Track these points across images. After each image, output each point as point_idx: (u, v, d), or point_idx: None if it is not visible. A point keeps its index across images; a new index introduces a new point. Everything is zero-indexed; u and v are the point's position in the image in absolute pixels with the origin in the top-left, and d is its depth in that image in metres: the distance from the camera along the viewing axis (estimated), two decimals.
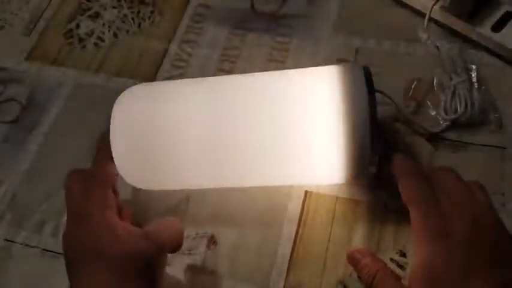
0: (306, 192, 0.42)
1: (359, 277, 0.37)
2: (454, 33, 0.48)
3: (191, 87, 0.39)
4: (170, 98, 0.38)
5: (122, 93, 0.39)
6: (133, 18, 0.56)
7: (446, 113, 0.43)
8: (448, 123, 0.43)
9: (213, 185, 0.39)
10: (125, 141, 0.37)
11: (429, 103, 0.45)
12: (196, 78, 0.40)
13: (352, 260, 0.37)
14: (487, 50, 0.47)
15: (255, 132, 0.35)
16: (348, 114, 0.33)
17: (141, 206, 0.42)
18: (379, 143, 0.34)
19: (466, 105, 0.43)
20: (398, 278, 0.35)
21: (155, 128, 0.36)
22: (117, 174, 0.38)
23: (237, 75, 0.40)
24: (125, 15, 0.56)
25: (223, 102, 0.36)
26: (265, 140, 0.35)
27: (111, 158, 0.37)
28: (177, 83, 0.41)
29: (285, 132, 0.35)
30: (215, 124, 0.36)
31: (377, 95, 0.35)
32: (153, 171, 0.37)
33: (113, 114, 0.37)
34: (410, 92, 0.45)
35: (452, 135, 0.43)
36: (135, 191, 0.44)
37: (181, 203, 0.43)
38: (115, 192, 0.38)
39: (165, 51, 0.52)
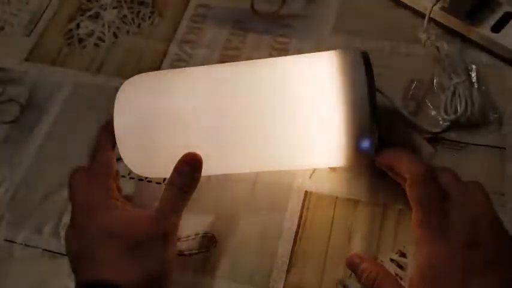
0: (306, 192, 0.42)
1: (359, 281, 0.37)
2: (453, 34, 0.48)
3: (193, 75, 0.39)
4: (172, 85, 0.38)
5: (125, 82, 0.39)
6: (133, 19, 0.56)
7: (446, 113, 0.43)
8: (448, 123, 0.43)
9: (216, 171, 0.40)
10: (128, 129, 0.37)
11: (429, 103, 0.45)
12: (198, 67, 0.40)
13: (351, 264, 0.37)
14: (487, 50, 0.47)
15: (256, 118, 0.36)
16: (347, 98, 0.34)
17: (141, 204, 0.42)
18: (377, 126, 0.34)
19: (466, 105, 0.43)
20: (398, 280, 0.34)
21: (158, 115, 0.37)
22: (118, 163, 0.38)
23: (238, 62, 0.40)
24: (125, 16, 0.56)
25: (224, 89, 0.37)
26: (267, 125, 0.36)
27: (111, 148, 0.37)
28: (179, 72, 0.41)
29: (286, 116, 0.35)
30: (216, 110, 0.36)
31: (377, 95, 0.35)
32: (155, 158, 0.38)
33: (116, 103, 0.37)
34: (410, 92, 0.45)
35: (452, 136, 0.43)
36: (137, 188, 0.44)
37: None
38: (118, 188, 0.38)
39: (165, 52, 0.52)
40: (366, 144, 0.35)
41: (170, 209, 0.36)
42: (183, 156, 0.36)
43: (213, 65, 0.41)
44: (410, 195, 0.34)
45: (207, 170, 0.37)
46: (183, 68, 0.41)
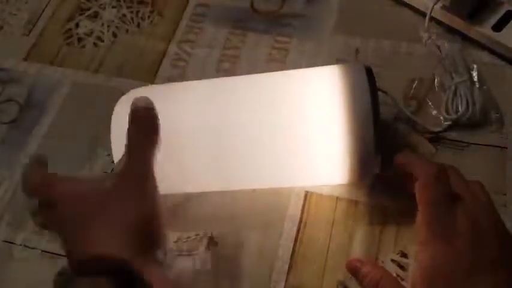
0: (307, 193, 0.42)
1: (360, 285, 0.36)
2: (454, 33, 0.48)
3: (192, 89, 0.39)
4: (171, 100, 0.38)
5: (124, 96, 0.39)
6: (132, 18, 0.55)
7: (447, 113, 0.43)
8: (449, 122, 0.43)
9: (215, 188, 0.39)
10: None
11: (430, 103, 0.44)
12: (197, 81, 0.40)
13: (352, 269, 0.36)
14: (488, 49, 0.46)
15: (258, 134, 0.35)
16: (351, 116, 0.33)
17: None
18: (381, 143, 0.34)
19: (468, 104, 0.42)
20: (400, 282, 0.34)
21: None
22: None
23: (237, 76, 0.40)
24: (124, 15, 0.56)
25: (223, 105, 0.36)
26: (269, 142, 0.35)
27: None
28: (178, 86, 0.41)
29: (288, 133, 0.35)
30: (217, 126, 0.36)
31: (378, 94, 0.35)
32: None
33: (113, 116, 0.37)
34: (411, 92, 0.45)
35: (453, 135, 0.43)
36: None
37: (181, 203, 0.43)
38: None
39: (165, 51, 0.52)
40: (369, 163, 0.34)
41: (138, 155, 0.33)
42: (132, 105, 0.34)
43: (213, 79, 0.40)
44: (421, 195, 0.33)
45: (205, 187, 0.37)
46: (183, 82, 0.40)
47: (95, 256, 0.31)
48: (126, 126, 0.36)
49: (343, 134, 0.33)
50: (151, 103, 0.33)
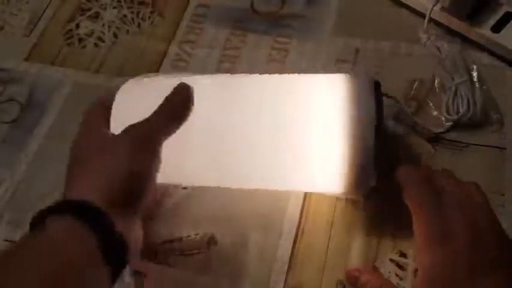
0: (306, 193, 0.42)
1: None
2: (454, 34, 0.48)
3: (194, 83, 0.39)
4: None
5: (125, 84, 0.39)
6: (133, 19, 0.56)
7: (448, 113, 0.43)
8: (450, 123, 0.43)
9: (213, 183, 0.39)
10: None
11: (430, 103, 0.45)
12: (200, 75, 0.40)
13: (351, 278, 0.37)
14: (487, 50, 0.46)
15: (258, 136, 0.35)
16: (353, 128, 0.33)
17: None
18: (381, 155, 0.34)
19: (469, 104, 0.43)
20: None
21: None
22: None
23: (240, 75, 0.39)
24: (125, 16, 0.56)
25: (227, 102, 0.36)
26: (268, 145, 0.35)
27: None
28: (181, 79, 0.40)
29: (289, 138, 0.35)
30: (217, 124, 0.36)
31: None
32: None
33: (114, 104, 0.37)
34: (412, 93, 0.45)
35: (452, 136, 0.43)
36: None
37: (181, 203, 0.43)
38: None
39: (165, 52, 0.52)
40: (366, 176, 0.34)
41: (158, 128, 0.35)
42: (175, 87, 0.36)
43: (217, 74, 0.40)
44: (411, 200, 0.34)
45: (201, 182, 0.37)
46: (187, 77, 0.40)
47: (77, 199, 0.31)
48: (127, 114, 0.36)
49: (343, 144, 0.33)
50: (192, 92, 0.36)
